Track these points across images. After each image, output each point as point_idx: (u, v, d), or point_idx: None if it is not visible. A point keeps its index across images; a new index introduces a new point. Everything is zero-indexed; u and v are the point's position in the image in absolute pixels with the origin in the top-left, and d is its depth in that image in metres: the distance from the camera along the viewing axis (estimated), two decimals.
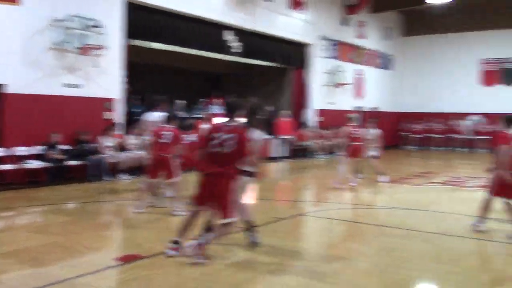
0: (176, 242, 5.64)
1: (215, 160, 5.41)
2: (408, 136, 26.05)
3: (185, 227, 5.66)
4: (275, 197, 10.72)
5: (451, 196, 10.91)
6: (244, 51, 17.35)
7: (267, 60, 19.14)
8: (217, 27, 16.28)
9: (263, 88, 21.23)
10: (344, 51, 22.54)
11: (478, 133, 24.61)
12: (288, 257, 5.82)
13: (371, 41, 24.53)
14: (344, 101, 22.20)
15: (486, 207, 7.18)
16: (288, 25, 19.05)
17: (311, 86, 20.54)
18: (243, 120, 5.71)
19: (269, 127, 18.66)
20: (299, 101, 20.64)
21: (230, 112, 5.58)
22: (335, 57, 21.80)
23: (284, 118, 18.86)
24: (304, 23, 19.84)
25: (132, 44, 13.96)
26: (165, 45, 15.41)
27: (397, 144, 25.72)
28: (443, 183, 12.85)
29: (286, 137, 18.56)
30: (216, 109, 17.55)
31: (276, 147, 18.44)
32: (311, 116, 20.62)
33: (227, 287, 4.77)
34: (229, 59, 18.02)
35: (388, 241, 6.84)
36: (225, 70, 21.20)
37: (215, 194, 5.40)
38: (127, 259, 5.60)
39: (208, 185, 5.46)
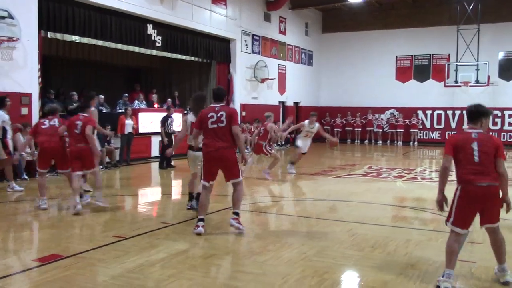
0: (201, 220, 6.59)
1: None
2: (329, 130, 26.84)
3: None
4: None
5: (370, 186, 11.38)
6: (166, 45, 17.13)
7: (189, 55, 18.99)
8: (139, 21, 15.95)
9: (186, 83, 21.08)
10: (267, 46, 22.84)
11: (394, 126, 25.86)
12: (215, 250, 5.85)
13: (292, 37, 25.02)
14: (267, 96, 22.52)
15: None
16: (211, 20, 19.01)
17: (234, 81, 20.64)
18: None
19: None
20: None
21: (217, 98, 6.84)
22: (258, 52, 22.04)
23: None
24: (226, 18, 19.87)
25: (48, 37, 13.37)
26: (84, 38, 14.86)
27: (318, 138, 26.40)
28: (363, 175, 13.39)
29: None
30: (140, 104, 17.20)
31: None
32: None
33: (152, 284, 4.72)
34: (151, 53, 17.70)
35: (311, 231, 7.05)
36: (147, 64, 20.81)
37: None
38: (46, 260, 5.39)
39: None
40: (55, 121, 8.52)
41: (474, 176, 4.64)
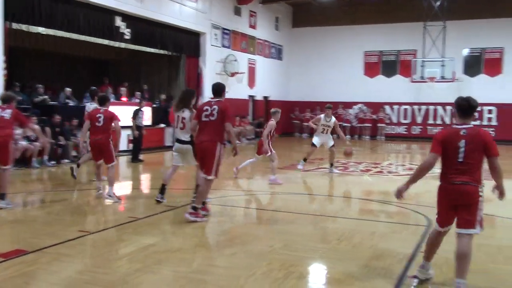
0: (194, 208, 6.85)
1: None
2: (300, 124, 27.01)
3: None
4: (169, 185, 10.63)
5: (338, 180, 11.53)
6: (135, 38, 16.93)
7: (159, 48, 18.82)
8: (107, 13, 15.70)
9: (155, 76, 20.88)
10: (237, 40, 22.80)
11: (362, 121, 26.19)
12: (182, 244, 5.85)
13: (262, 31, 25.04)
14: (237, 90, 22.50)
15: None
16: (180, 13, 18.85)
17: (204, 74, 20.55)
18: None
19: (164, 115, 18.44)
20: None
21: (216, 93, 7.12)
22: (228, 46, 21.98)
23: None
24: (196, 12, 19.74)
25: (14, 28, 13.05)
26: (51, 30, 14.55)
27: (289, 132, 26.63)
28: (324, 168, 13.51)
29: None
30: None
31: (170, 136, 18.27)
32: None
33: (119, 278, 4.70)
34: (119, 46, 17.46)
35: (279, 224, 7.11)
36: (116, 57, 20.52)
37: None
38: (9, 255, 5.30)
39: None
40: (7, 112, 7.64)
41: (454, 175, 4.39)
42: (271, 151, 10.71)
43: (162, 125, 18.40)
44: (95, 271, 4.86)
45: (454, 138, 4.39)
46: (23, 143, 12.37)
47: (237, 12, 22.79)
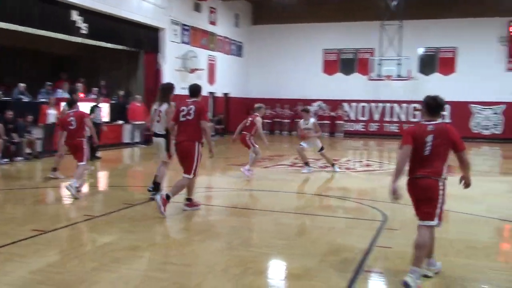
0: (188, 199, 7.36)
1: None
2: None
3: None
4: (127, 183, 10.52)
5: (296, 177, 11.62)
6: (92, 32, 16.55)
7: (117, 43, 18.49)
8: (63, 7, 15.30)
9: (113, 72, 20.51)
10: (197, 36, 22.65)
11: (321, 118, 26.49)
12: (140, 242, 5.78)
13: (222, 28, 24.97)
14: None
15: None
16: (139, 8, 18.57)
17: (163, 71, 20.33)
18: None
19: (122, 112, 18.16)
20: (152, 86, 20.32)
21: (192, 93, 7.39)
22: (187, 43, 21.82)
23: (137, 103, 18.48)
24: (155, 7, 19.50)
25: None
26: (4, 24, 14.07)
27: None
28: (291, 165, 13.65)
29: (138, 122, 18.21)
30: (62, 93, 16.55)
31: (128, 133, 18.03)
32: None
33: (74, 278, 4.61)
34: (76, 41, 17.05)
35: (237, 221, 7.13)
36: (73, 52, 20.05)
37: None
38: None
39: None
40: None
41: (418, 169, 4.56)
42: (253, 145, 11.24)
43: (120, 122, 18.12)
44: (50, 271, 4.76)
45: (422, 134, 4.57)
46: None
47: (197, 8, 22.63)
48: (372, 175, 12.39)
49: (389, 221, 7.11)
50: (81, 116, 8.96)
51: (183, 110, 7.20)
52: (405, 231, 6.52)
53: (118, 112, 18.07)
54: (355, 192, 9.90)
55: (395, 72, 23.84)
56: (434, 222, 4.58)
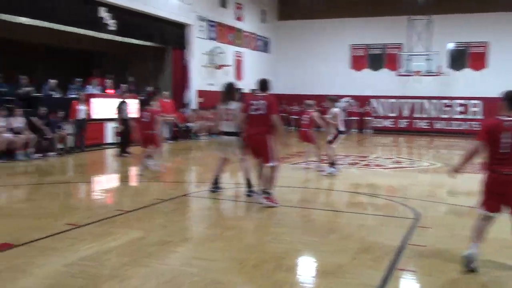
0: (266, 192, 7.39)
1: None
2: (287, 117, 26.99)
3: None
4: (158, 178, 10.60)
5: (323, 173, 11.51)
6: (120, 29, 16.74)
7: (145, 40, 18.67)
8: (91, 3, 15.51)
9: (141, 68, 20.72)
10: (223, 32, 22.69)
11: (349, 114, 26.25)
12: (171, 237, 5.81)
13: (249, 24, 24.95)
14: (224, 83, 22.38)
15: None
16: (166, 4, 18.71)
17: (190, 67, 20.43)
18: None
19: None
20: (179, 82, 20.46)
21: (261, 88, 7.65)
22: (214, 39, 21.87)
23: (165, 99, 18.58)
24: (181, 3, 19.59)
25: None
26: (35, 21, 14.33)
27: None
28: (319, 162, 13.53)
29: (166, 117, 18.30)
30: (92, 89, 16.77)
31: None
32: (191, 97, 20.57)
33: (107, 272, 4.66)
34: (104, 37, 17.27)
35: (268, 217, 7.10)
36: (102, 49, 20.31)
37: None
38: None
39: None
40: None
41: (498, 165, 4.60)
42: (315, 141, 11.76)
43: None
44: (83, 264, 4.82)
45: (497, 129, 4.60)
46: (8, 135, 12.20)
47: (223, 4, 22.66)
48: (402, 172, 12.23)
49: (422, 219, 7.00)
50: (154, 113, 10.41)
51: (253, 104, 7.45)
52: (438, 229, 6.41)
53: (146, 108, 18.17)
54: (385, 189, 9.77)
55: (425, 68, 23.50)
56: None
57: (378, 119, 26.25)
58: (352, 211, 7.78)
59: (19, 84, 14.60)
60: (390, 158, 16.02)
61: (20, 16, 13.85)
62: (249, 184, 8.24)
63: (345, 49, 26.75)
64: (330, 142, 11.30)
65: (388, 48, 26.04)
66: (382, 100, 26.18)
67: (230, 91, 8.27)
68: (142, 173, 10.26)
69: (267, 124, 7.38)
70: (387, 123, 26.22)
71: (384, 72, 26.08)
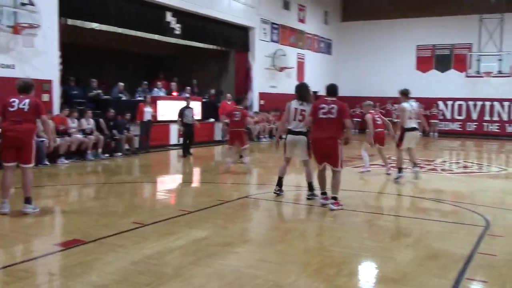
0: (334, 197, 7.49)
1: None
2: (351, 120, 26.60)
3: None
4: (219, 180, 10.74)
5: (389, 177, 11.27)
6: (184, 33, 17.12)
7: (208, 43, 18.98)
8: (157, 8, 15.97)
9: (205, 71, 21.08)
10: (286, 35, 22.70)
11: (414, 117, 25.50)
12: (233, 239, 5.87)
13: (311, 26, 24.81)
14: (286, 85, 22.39)
15: None
16: (230, 8, 18.94)
17: (253, 69, 20.57)
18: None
19: (213, 110, 18.59)
20: (242, 84, 20.65)
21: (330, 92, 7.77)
22: (276, 41, 21.92)
23: (228, 101, 18.82)
24: (245, 6, 19.77)
25: (69, 24, 13.46)
26: (103, 26, 14.93)
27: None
28: (383, 165, 13.22)
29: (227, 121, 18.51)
30: (158, 91, 17.25)
31: (220, 130, 18.42)
32: (253, 99, 20.71)
33: (172, 271, 4.75)
34: (169, 41, 17.72)
35: (329, 221, 7.03)
36: (166, 52, 20.85)
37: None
38: (68, 245, 5.47)
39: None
40: (25, 103, 6.72)
41: None
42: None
43: (212, 120, 18.54)
44: (149, 263, 4.94)
45: None
46: (79, 136, 12.74)
47: (286, 6, 22.66)
48: (471, 178, 11.76)
49: (492, 226, 6.69)
50: (245, 113, 11.51)
51: (323, 108, 7.50)
52: (510, 238, 6.11)
53: (210, 110, 18.51)
54: (452, 195, 9.41)
55: (496, 68, 22.48)
56: None
57: (445, 122, 25.35)
58: (417, 216, 7.55)
59: (89, 87, 15.24)
60: (457, 162, 15.45)
61: (91, 22, 14.50)
62: (311, 187, 8.18)
63: (411, 50, 26.04)
64: (398, 145, 10.94)
65: (456, 48, 25.12)
66: (449, 102, 25.26)
67: (305, 92, 8.29)
68: (228, 166, 11.14)
69: (337, 128, 7.46)
70: (455, 126, 25.27)
71: (452, 73, 25.17)
